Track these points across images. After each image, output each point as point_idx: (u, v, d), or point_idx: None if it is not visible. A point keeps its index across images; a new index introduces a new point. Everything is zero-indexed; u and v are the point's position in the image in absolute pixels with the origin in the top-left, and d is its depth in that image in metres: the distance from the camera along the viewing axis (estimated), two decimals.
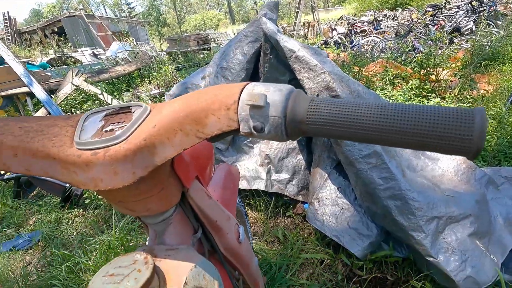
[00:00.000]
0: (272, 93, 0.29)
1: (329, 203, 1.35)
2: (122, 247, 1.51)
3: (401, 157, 1.19)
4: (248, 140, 1.88)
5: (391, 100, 2.50)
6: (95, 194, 2.06)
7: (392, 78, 2.77)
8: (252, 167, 1.76)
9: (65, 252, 1.50)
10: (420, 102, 2.43)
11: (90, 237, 1.70)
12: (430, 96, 2.54)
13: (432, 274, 1.04)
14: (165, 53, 5.26)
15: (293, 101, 0.29)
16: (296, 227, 1.57)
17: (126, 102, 1.80)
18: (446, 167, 1.33)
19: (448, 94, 2.51)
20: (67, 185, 2.03)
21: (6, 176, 2.20)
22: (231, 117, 0.30)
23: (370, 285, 1.18)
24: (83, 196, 2.06)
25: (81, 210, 2.04)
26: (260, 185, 1.64)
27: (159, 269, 0.37)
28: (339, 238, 1.24)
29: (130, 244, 1.51)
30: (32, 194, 2.44)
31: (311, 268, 1.31)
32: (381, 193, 1.04)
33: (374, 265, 1.24)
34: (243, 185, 1.73)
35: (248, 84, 0.31)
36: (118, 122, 0.35)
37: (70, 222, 1.94)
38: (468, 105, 2.35)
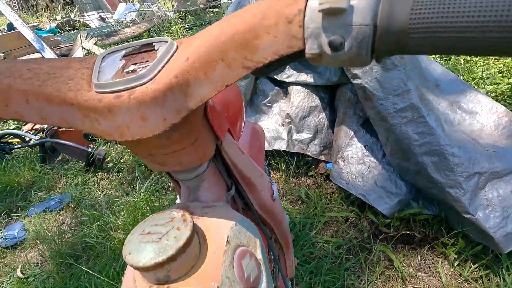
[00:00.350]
0: None
1: (355, 161, 1.29)
2: (148, 208, 1.55)
3: (438, 111, 1.09)
4: (267, 100, 1.79)
5: None
6: (117, 158, 2.10)
7: None
8: (272, 127, 1.70)
9: (95, 212, 1.56)
10: None
11: (116, 198, 1.75)
12: None
13: (466, 232, 1.00)
14: (173, 12, 4.98)
15: (389, 1, 0.20)
16: (318, 187, 1.54)
17: None
18: (485, 122, 1.22)
19: None
20: (89, 149, 2.06)
21: (31, 143, 2.26)
22: (294, 33, 0.22)
23: (397, 242, 1.17)
24: (106, 160, 2.10)
25: (105, 173, 2.10)
26: (281, 145, 1.60)
27: (198, 227, 0.33)
28: (365, 197, 1.21)
29: (155, 204, 1.55)
30: (58, 159, 2.52)
31: (335, 226, 1.30)
32: (416, 149, 0.97)
33: (401, 222, 1.21)
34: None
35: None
36: (141, 62, 0.29)
37: (96, 184, 2.01)
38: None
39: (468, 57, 2.12)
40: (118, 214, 1.55)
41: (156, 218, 0.32)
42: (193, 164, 0.36)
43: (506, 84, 1.76)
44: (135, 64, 0.29)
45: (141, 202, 1.57)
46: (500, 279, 0.94)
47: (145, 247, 0.28)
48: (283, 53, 0.23)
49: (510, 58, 2.06)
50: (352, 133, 1.34)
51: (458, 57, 2.13)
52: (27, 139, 2.41)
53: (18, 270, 1.42)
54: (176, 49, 0.29)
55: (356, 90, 1.19)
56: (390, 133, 1.04)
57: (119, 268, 1.25)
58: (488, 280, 0.97)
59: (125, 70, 0.29)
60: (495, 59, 2.07)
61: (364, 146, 1.30)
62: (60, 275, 1.32)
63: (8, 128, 3.00)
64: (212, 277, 0.29)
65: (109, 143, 2.19)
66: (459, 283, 1.00)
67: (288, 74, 1.65)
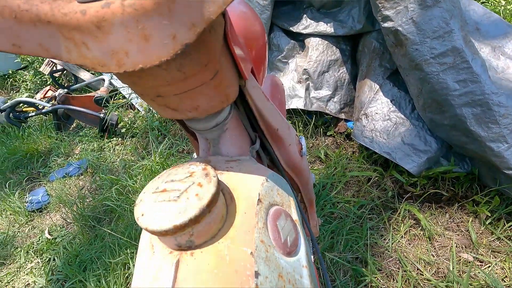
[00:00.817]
0: None
1: (380, 118, 1.20)
2: (162, 169, 1.54)
3: (479, 54, 0.95)
4: (282, 55, 1.66)
5: None
6: (130, 123, 2.06)
7: None
8: (289, 85, 1.59)
9: (112, 177, 1.57)
10: None
11: (132, 163, 1.75)
12: None
13: (504, 189, 0.93)
14: None
15: None
16: (338, 147, 1.47)
17: None
18: None
19: None
20: (102, 115, 2.04)
21: (44, 110, 2.25)
22: None
23: (423, 201, 1.11)
24: (119, 125, 2.07)
25: (119, 138, 2.09)
26: (298, 104, 1.50)
27: (223, 184, 0.28)
28: (390, 155, 1.13)
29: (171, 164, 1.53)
30: (72, 126, 2.52)
31: (357, 186, 1.25)
32: (455, 100, 0.86)
33: (429, 181, 1.14)
34: None
35: None
36: None
37: (111, 150, 2.01)
38: None
39: None
40: (135, 178, 1.56)
41: (172, 173, 0.26)
42: (213, 108, 0.29)
43: None
44: None
45: (156, 166, 1.56)
46: None
47: (161, 207, 0.22)
48: None
49: None
50: (378, 87, 1.23)
51: None
52: (40, 106, 2.41)
53: (46, 231, 1.47)
54: None
55: (384, 37, 1.05)
56: (424, 83, 0.93)
57: (140, 229, 1.27)
58: None
59: None
60: None
61: (391, 101, 1.19)
62: (85, 236, 1.36)
63: (20, 97, 3.01)
64: (243, 241, 0.24)
65: (121, 108, 2.15)
66: (491, 241, 0.95)
67: (305, 25, 1.50)
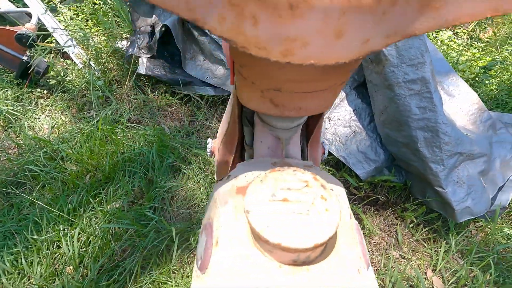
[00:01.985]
0: None
1: (341, 124, 1.30)
2: (108, 139, 1.36)
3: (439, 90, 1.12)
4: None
5: None
6: (62, 75, 1.73)
7: None
8: None
9: (40, 137, 1.31)
10: (433, 32, 2.29)
11: (63, 123, 1.49)
12: (443, 30, 2.40)
13: (428, 201, 1.13)
14: None
15: None
16: None
17: None
18: (460, 106, 1.32)
19: (461, 29, 2.39)
20: (25, 57, 1.65)
21: None
22: None
23: (365, 203, 1.27)
24: (47, 75, 1.72)
25: (44, 91, 1.74)
26: None
27: None
28: (346, 159, 1.25)
29: (118, 137, 1.36)
30: None
31: None
32: (413, 123, 1.00)
33: (370, 185, 1.30)
34: None
35: None
36: None
37: (33, 103, 1.66)
38: (476, 49, 2.28)
39: (446, 39, 2.22)
40: (69, 143, 1.33)
41: (281, 179, 0.23)
42: (314, 111, 0.27)
43: (471, 73, 1.91)
44: None
45: (98, 132, 1.35)
46: (444, 240, 1.12)
47: (294, 222, 0.20)
48: None
49: (477, 50, 2.23)
50: (344, 95, 1.32)
51: (436, 39, 2.21)
52: None
53: None
54: None
55: None
56: (391, 102, 1.04)
57: (75, 203, 1.10)
58: (434, 241, 1.15)
59: None
60: (465, 45, 2.21)
61: (353, 110, 1.30)
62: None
63: None
64: (350, 257, 0.23)
65: (52, 54, 1.78)
66: (411, 242, 1.15)
67: None
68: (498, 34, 2.42)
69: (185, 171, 1.30)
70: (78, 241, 0.98)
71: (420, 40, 0.95)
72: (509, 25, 2.47)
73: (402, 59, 0.97)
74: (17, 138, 1.41)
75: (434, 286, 0.98)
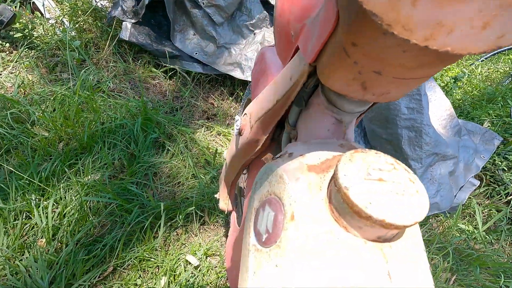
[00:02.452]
0: None
1: None
2: (85, 105, 1.25)
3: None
4: (251, 23, 1.58)
5: None
6: (30, 28, 1.54)
7: None
8: (251, 56, 1.54)
9: (8, 96, 1.16)
10: None
11: (30, 84, 1.34)
12: None
13: None
14: None
15: None
16: None
17: None
18: (435, 110, 1.43)
19: None
20: None
21: None
22: None
23: None
24: (10, 26, 1.51)
25: (7, 44, 1.53)
26: None
27: None
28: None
29: (99, 104, 1.26)
30: None
31: None
32: (401, 122, 1.06)
33: None
34: (235, 73, 1.54)
35: None
36: None
37: None
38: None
39: None
40: (40, 106, 1.20)
41: (370, 160, 0.24)
42: (396, 98, 0.27)
43: (442, 82, 2.07)
44: None
45: (75, 97, 1.24)
46: None
47: (394, 201, 0.21)
48: None
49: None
50: None
51: None
52: None
53: None
54: None
55: None
56: None
57: (48, 172, 1.01)
58: None
59: None
60: None
61: None
62: None
63: None
64: (417, 238, 0.25)
65: (20, 2, 1.57)
66: None
67: None
68: None
69: (169, 148, 1.25)
70: (51, 213, 0.91)
71: None
72: None
73: None
74: None
75: None
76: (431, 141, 1.06)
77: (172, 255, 0.93)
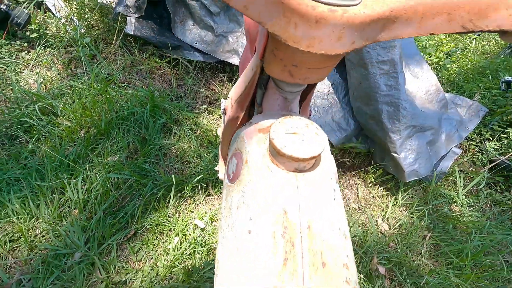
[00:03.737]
0: None
1: (320, 96, 1.45)
2: (100, 97, 1.40)
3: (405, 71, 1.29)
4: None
5: None
6: (45, 28, 1.69)
7: None
8: (246, 44, 1.65)
9: (34, 91, 1.33)
10: None
11: (50, 80, 1.50)
12: None
13: (386, 165, 1.35)
14: None
15: None
16: None
17: None
18: (421, 86, 1.52)
19: None
20: (3, 6, 1.58)
21: None
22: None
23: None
24: (27, 27, 1.66)
25: (25, 44, 1.69)
26: None
27: None
28: (322, 127, 1.42)
29: (112, 95, 1.41)
30: None
31: None
32: (381, 98, 1.18)
33: (340, 151, 1.51)
34: (233, 60, 1.66)
35: None
36: None
37: (13, 56, 1.62)
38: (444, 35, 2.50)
39: None
40: (62, 99, 1.36)
41: (290, 123, 0.38)
42: (315, 81, 0.41)
43: (436, 58, 2.13)
44: None
45: (89, 90, 1.40)
46: (393, 196, 1.37)
47: (301, 142, 0.35)
48: (505, 28, 0.29)
49: (445, 36, 2.44)
50: None
51: None
52: None
53: None
54: None
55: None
56: (364, 79, 1.20)
57: (75, 155, 1.18)
58: (386, 198, 1.39)
59: None
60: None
61: (331, 84, 1.45)
62: None
63: None
64: (329, 171, 0.39)
65: (33, 4, 1.71)
66: (369, 198, 1.39)
67: None
68: None
69: (176, 131, 1.40)
70: (81, 188, 1.09)
71: None
72: None
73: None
74: (2, 91, 1.40)
75: (382, 229, 1.23)
76: (407, 114, 1.18)
77: (182, 220, 1.11)
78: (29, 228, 1.00)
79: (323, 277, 0.32)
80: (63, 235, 0.99)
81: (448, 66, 2.15)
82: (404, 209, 1.34)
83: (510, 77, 1.81)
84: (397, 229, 1.25)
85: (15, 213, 1.01)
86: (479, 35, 2.50)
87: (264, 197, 0.36)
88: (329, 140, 1.41)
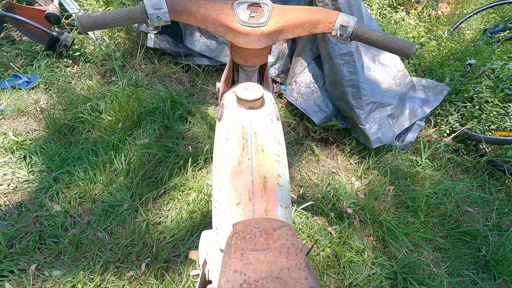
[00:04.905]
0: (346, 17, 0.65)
1: (304, 85, 1.80)
2: (131, 97, 1.82)
3: (363, 60, 1.62)
4: None
5: (367, 5, 2.75)
6: (84, 46, 2.14)
7: None
8: None
9: (85, 95, 1.76)
10: (389, 12, 2.75)
11: (92, 87, 1.93)
12: (398, 8, 2.86)
13: (357, 136, 1.68)
14: None
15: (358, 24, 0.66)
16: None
17: None
18: (389, 72, 1.84)
19: (413, 10, 2.86)
20: (55, 33, 2.04)
21: None
22: (328, 29, 0.65)
23: (318, 141, 1.81)
24: (72, 48, 2.11)
25: (70, 61, 2.14)
26: None
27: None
28: (306, 111, 1.77)
29: (141, 95, 1.82)
30: (1, 36, 2.33)
31: (283, 129, 1.87)
32: (345, 82, 1.51)
33: (323, 130, 1.84)
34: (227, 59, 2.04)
35: (339, 13, 0.66)
36: (256, 12, 0.67)
37: (62, 71, 2.07)
38: (425, 23, 2.78)
39: (398, 19, 2.70)
40: (103, 100, 1.79)
41: (246, 85, 0.74)
42: (261, 63, 0.77)
43: None
44: (254, 12, 0.66)
45: (123, 92, 1.81)
46: (366, 161, 1.69)
47: (250, 93, 0.71)
48: (326, 32, 0.65)
49: (422, 28, 2.73)
50: (306, 64, 1.82)
51: (391, 19, 2.68)
52: None
53: (11, 133, 1.60)
54: (271, 9, 0.67)
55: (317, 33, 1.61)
56: (332, 69, 1.55)
57: (117, 139, 1.59)
58: (361, 164, 1.71)
59: (250, 16, 0.66)
60: (415, 24, 2.70)
61: (312, 76, 1.80)
62: (58, 142, 1.59)
63: None
64: (270, 109, 0.75)
65: (75, 28, 2.16)
66: (347, 165, 1.72)
67: None
68: (444, 15, 2.92)
69: (190, 120, 1.79)
70: (124, 161, 1.49)
71: None
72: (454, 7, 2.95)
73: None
74: (59, 97, 1.84)
75: (354, 186, 1.56)
76: (367, 93, 1.50)
77: (198, 181, 1.48)
78: (90, 189, 1.41)
79: (261, 156, 0.67)
80: (114, 193, 1.39)
81: (426, 54, 2.43)
82: (374, 171, 1.66)
83: (473, 60, 2.08)
84: (367, 185, 1.57)
85: (80, 179, 1.42)
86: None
87: (233, 122, 0.72)
88: (312, 119, 1.75)
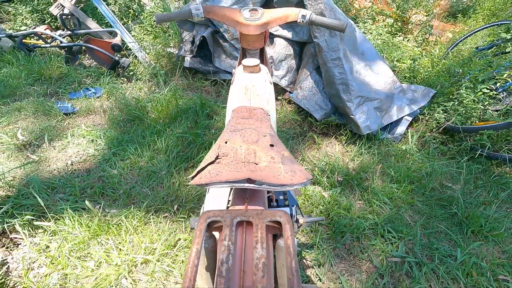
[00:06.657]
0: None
1: (307, 89, 2.22)
2: (171, 102, 2.33)
3: (352, 64, 2.02)
4: None
5: (367, 33, 3.21)
6: (137, 68, 2.75)
7: (374, 14, 3.42)
8: None
9: (136, 98, 2.30)
10: (387, 37, 3.18)
11: (144, 96, 2.48)
12: (397, 34, 3.29)
13: (350, 126, 2.01)
14: None
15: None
16: (282, 106, 2.47)
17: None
18: (380, 79, 2.21)
19: (410, 35, 3.27)
20: (117, 58, 2.68)
21: (64, 44, 2.77)
22: (296, 17, 1.08)
23: (320, 134, 2.16)
24: (128, 69, 2.74)
25: (125, 79, 2.76)
26: None
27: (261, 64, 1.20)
28: (309, 109, 2.16)
29: (178, 101, 2.33)
30: (76, 63, 3.05)
31: (290, 124, 2.25)
32: (337, 81, 1.91)
33: (324, 125, 2.20)
34: None
35: (300, 9, 1.09)
36: (254, 13, 1.12)
37: (120, 86, 2.68)
38: (420, 47, 3.16)
39: (397, 42, 3.11)
40: (151, 103, 2.31)
41: (249, 60, 1.17)
42: (259, 46, 1.21)
43: (403, 63, 2.78)
44: (253, 13, 1.12)
45: (165, 98, 2.33)
46: (358, 150, 1.99)
47: (252, 61, 1.13)
48: (294, 19, 1.08)
49: (419, 49, 3.10)
50: (309, 73, 2.25)
51: (388, 42, 3.10)
52: (48, 40, 2.89)
53: (83, 125, 2.14)
54: (263, 12, 1.12)
55: (315, 46, 2.06)
56: (327, 72, 1.96)
57: (159, 130, 2.06)
58: (355, 151, 2.02)
59: (250, 15, 1.11)
60: (409, 48, 3.08)
61: (314, 82, 2.21)
62: (116, 131, 2.09)
63: (31, 29, 3.32)
64: (265, 71, 1.15)
65: (132, 55, 2.81)
66: (344, 152, 2.03)
67: (276, 29, 2.45)
68: (440, 38, 3.29)
69: (215, 118, 2.24)
70: (164, 143, 1.94)
71: (335, 37, 1.87)
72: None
73: (329, 47, 1.89)
74: (117, 103, 2.40)
75: (348, 165, 1.86)
76: (354, 88, 1.88)
77: None
78: (138, 161, 1.85)
79: (257, 99, 1.08)
80: (156, 165, 1.82)
81: (420, 69, 2.77)
82: (366, 155, 1.96)
83: (459, 70, 2.40)
84: (359, 164, 1.87)
85: (131, 154, 1.88)
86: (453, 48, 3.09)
87: (240, 80, 1.14)
88: (314, 116, 2.13)
